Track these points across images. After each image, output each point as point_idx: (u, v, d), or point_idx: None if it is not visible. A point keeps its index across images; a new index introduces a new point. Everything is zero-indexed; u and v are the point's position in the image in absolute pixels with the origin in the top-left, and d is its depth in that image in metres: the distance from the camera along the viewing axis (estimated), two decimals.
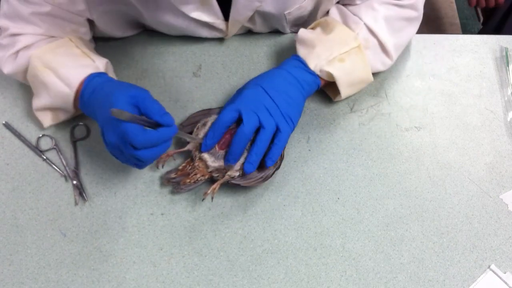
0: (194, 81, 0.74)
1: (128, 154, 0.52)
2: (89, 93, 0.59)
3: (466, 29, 1.70)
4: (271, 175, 0.63)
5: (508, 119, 0.73)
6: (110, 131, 0.53)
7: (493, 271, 0.62)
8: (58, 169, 0.66)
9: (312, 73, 0.66)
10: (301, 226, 0.64)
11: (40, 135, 0.68)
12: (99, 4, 0.63)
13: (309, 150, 0.69)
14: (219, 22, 0.71)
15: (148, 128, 0.52)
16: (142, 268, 0.61)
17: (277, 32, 0.79)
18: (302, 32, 0.69)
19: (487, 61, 0.79)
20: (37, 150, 0.67)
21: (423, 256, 0.63)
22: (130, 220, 0.64)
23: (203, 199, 0.64)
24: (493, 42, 0.81)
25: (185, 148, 0.64)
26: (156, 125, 0.52)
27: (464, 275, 0.62)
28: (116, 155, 0.56)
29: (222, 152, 0.63)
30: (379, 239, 0.64)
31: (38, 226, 0.63)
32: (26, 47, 0.63)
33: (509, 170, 0.69)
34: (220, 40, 0.78)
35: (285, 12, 0.70)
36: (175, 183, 0.64)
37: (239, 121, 0.61)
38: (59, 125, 0.68)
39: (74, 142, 0.68)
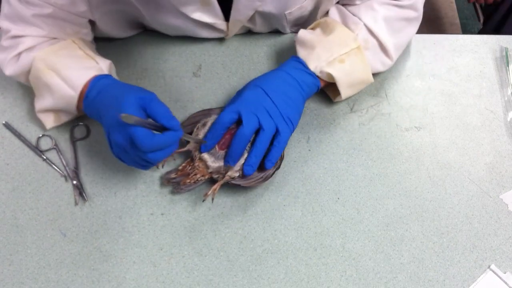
0: (194, 81, 0.74)
1: (135, 156, 0.54)
2: (94, 95, 0.59)
3: (466, 29, 1.70)
4: (271, 175, 0.63)
5: (508, 119, 0.73)
6: (118, 133, 0.53)
7: (493, 271, 0.62)
8: (58, 169, 0.66)
9: (312, 74, 0.66)
10: (301, 226, 0.64)
11: (40, 135, 0.68)
12: (101, 4, 0.63)
13: (309, 150, 0.70)
14: (220, 22, 0.71)
15: (155, 132, 0.53)
16: (142, 268, 0.61)
17: (277, 32, 0.79)
18: (302, 33, 0.69)
19: (487, 61, 0.79)
20: (37, 150, 0.67)
21: (423, 256, 0.63)
22: (130, 220, 0.64)
23: (203, 200, 0.64)
24: (493, 42, 0.81)
25: (185, 148, 0.64)
26: (163, 128, 0.53)
27: (464, 275, 0.62)
28: (121, 157, 0.56)
29: (222, 153, 0.63)
30: (379, 239, 0.64)
31: (38, 226, 0.63)
32: (29, 49, 0.63)
33: (509, 170, 0.69)
34: (220, 40, 0.78)
35: (286, 12, 0.70)
36: (175, 183, 0.64)
37: (239, 121, 0.61)
38: (59, 125, 0.68)
39: (74, 142, 0.68)
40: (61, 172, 0.66)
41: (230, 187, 0.65)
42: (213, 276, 0.61)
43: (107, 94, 0.58)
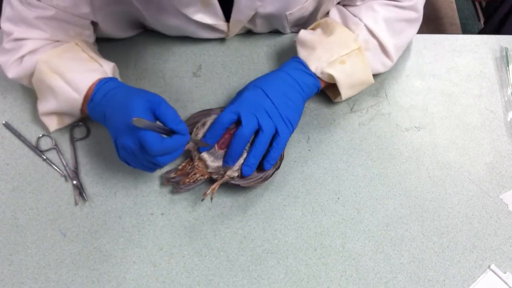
0: (194, 81, 0.74)
1: (143, 160, 0.54)
2: (99, 98, 0.59)
3: (466, 29, 1.70)
4: (271, 175, 0.63)
5: (508, 119, 0.73)
6: (127, 137, 0.54)
7: (493, 271, 0.62)
8: (58, 169, 0.66)
9: (312, 75, 0.66)
10: (301, 226, 0.64)
11: (40, 135, 0.68)
12: (104, 6, 0.63)
13: (309, 150, 0.70)
14: (220, 23, 0.71)
15: (164, 136, 0.53)
16: (142, 268, 0.61)
17: (277, 32, 0.79)
18: (302, 33, 0.69)
19: (487, 61, 0.79)
20: (37, 150, 0.67)
21: (423, 256, 0.63)
22: (130, 220, 0.64)
23: (202, 199, 0.64)
24: (493, 42, 0.81)
25: (185, 148, 0.64)
26: (171, 132, 0.54)
27: (464, 275, 0.62)
28: (128, 161, 0.57)
29: (221, 152, 0.63)
30: (379, 239, 0.64)
31: (38, 226, 0.63)
32: (32, 51, 0.63)
33: (509, 170, 0.69)
34: (220, 40, 0.78)
35: (287, 13, 0.70)
36: (174, 183, 0.64)
37: (239, 122, 0.61)
38: None
39: (74, 142, 0.68)
40: (61, 172, 0.66)
41: (230, 187, 0.65)
42: (213, 276, 0.61)
43: (114, 98, 0.59)
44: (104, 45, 0.73)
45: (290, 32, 0.79)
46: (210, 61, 0.76)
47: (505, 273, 0.62)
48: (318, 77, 0.66)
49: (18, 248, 0.61)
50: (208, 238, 0.63)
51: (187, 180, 0.63)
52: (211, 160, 0.63)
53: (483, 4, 1.29)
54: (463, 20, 1.71)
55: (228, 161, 0.61)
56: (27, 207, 0.64)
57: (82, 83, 0.60)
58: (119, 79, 0.67)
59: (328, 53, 0.65)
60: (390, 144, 0.71)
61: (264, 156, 0.62)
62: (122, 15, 0.68)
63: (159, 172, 0.66)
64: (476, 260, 0.63)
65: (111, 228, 0.63)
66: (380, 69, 0.71)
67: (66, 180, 0.66)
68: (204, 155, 0.63)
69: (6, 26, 0.62)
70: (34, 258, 0.61)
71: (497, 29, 1.16)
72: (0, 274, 0.60)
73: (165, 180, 0.64)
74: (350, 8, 0.71)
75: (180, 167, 0.64)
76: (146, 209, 0.64)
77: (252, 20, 0.72)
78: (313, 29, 0.71)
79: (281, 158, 0.64)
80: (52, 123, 0.67)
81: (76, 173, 0.66)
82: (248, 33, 0.79)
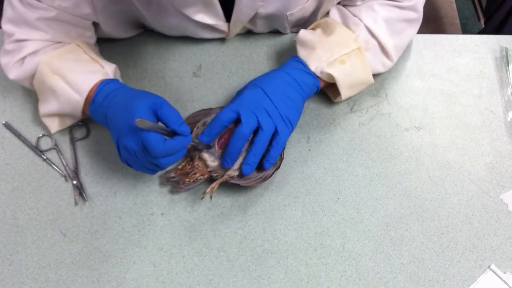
0: (194, 81, 0.74)
1: (144, 161, 0.54)
2: (101, 99, 0.59)
3: (466, 29, 1.70)
4: (271, 175, 0.63)
5: (508, 119, 0.73)
6: (129, 138, 0.54)
7: (493, 271, 0.62)
8: (58, 169, 0.66)
9: (312, 74, 0.66)
10: (301, 226, 0.64)
11: (40, 135, 0.68)
12: (105, 6, 0.63)
13: (309, 150, 0.70)
14: (221, 23, 0.71)
15: (166, 137, 0.54)
16: (142, 268, 0.61)
17: (277, 32, 0.79)
18: (302, 33, 0.69)
19: (487, 61, 0.79)
20: (37, 150, 0.67)
21: (423, 256, 0.63)
22: (130, 220, 0.64)
23: (202, 198, 0.64)
24: (493, 42, 0.81)
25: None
26: (173, 133, 0.54)
27: (464, 275, 0.62)
28: (129, 162, 0.57)
29: (221, 152, 0.63)
30: (379, 239, 0.64)
31: (38, 226, 0.63)
32: (33, 53, 0.62)
33: (509, 170, 0.69)
34: (221, 40, 0.78)
35: (287, 13, 0.70)
36: (174, 183, 0.64)
37: (238, 121, 0.61)
38: None
39: (74, 142, 0.68)
40: (61, 172, 0.66)
41: (230, 187, 0.65)
42: (213, 276, 0.61)
43: (115, 99, 0.59)
44: (104, 45, 0.73)
45: (290, 32, 0.79)
46: (210, 61, 0.76)
47: (505, 273, 0.62)
48: (317, 76, 0.66)
49: (18, 248, 0.61)
50: (208, 238, 0.63)
51: (187, 180, 0.63)
52: (211, 160, 0.63)
53: (484, 4, 1.29)
54: (463, 20, 1.71)
55: (226, 159, 0.61)
56: (27, 207, 0.64)
57: (84, 84, 0.60)
58: (120, 80, 0.67)
59: (328, 53, 0.65)
60: (390, 144, 0.71)
61: (264, 156, 0.62)
62: (123, 15, 0.68)
63: (159, 172, 0.66)
64: (476, 260, 0.63)
65: (111, 228, 0.63)
66: (380, 69, 0.71)
67: (66, 180, 0.66)
68: (204, 154, 0.63)
69: (8, 27, 0.62)
70: (34, 258, 0.61)
71: (498, 29, 1.16)
72: (0, 274, 0.60)
73: (165, 180, 0.64)
74: (350, 8, 0.71)
75: (180, 166, 0.64)
76: (146, 209, 0.64)
77: (253, 20, 0.72)
78: (313, 29, 0.71)
79: (281, 158, 0.64)
80: (54, 125, 0.67)
81: (76, 173, 0.66)
82: (248, 33, 0.79)
